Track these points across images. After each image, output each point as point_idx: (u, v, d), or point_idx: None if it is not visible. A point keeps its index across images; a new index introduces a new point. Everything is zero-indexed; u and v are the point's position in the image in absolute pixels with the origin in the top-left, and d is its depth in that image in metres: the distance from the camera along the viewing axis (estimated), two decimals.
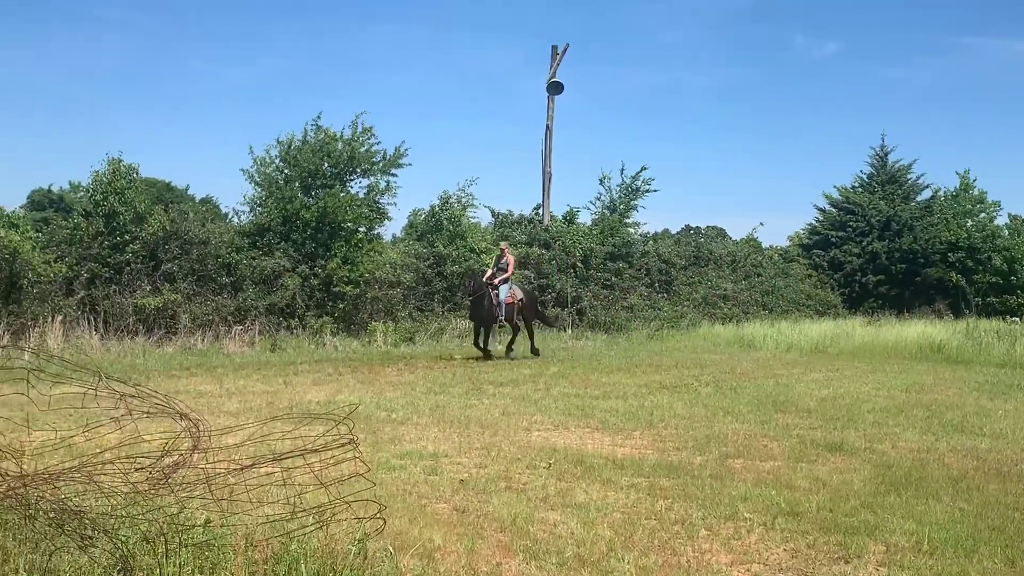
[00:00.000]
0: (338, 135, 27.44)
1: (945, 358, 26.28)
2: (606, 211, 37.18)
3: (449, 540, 6.96)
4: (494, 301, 22.05)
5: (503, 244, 24.35)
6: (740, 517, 8.03)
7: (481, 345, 22.29)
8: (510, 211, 36.09)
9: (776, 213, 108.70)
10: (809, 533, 7.59)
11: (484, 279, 22.23)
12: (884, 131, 67.67)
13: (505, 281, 22.40)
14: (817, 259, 43.94)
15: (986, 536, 7.60)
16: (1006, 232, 43.30)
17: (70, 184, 47.10)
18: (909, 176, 47.08)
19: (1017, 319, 31.45)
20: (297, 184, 26.58)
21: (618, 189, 37.95)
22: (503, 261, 22.82)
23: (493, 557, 6.67)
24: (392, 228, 40.11)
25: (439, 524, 7.43)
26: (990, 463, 10.92)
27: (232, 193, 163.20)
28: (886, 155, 47.35)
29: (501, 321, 22.43)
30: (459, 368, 19.79)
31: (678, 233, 50.83)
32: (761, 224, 60.17)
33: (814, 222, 47.32)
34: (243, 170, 27.97)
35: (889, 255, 42.62)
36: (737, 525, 7.79)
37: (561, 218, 35.47)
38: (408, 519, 7.44)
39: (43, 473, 5.99)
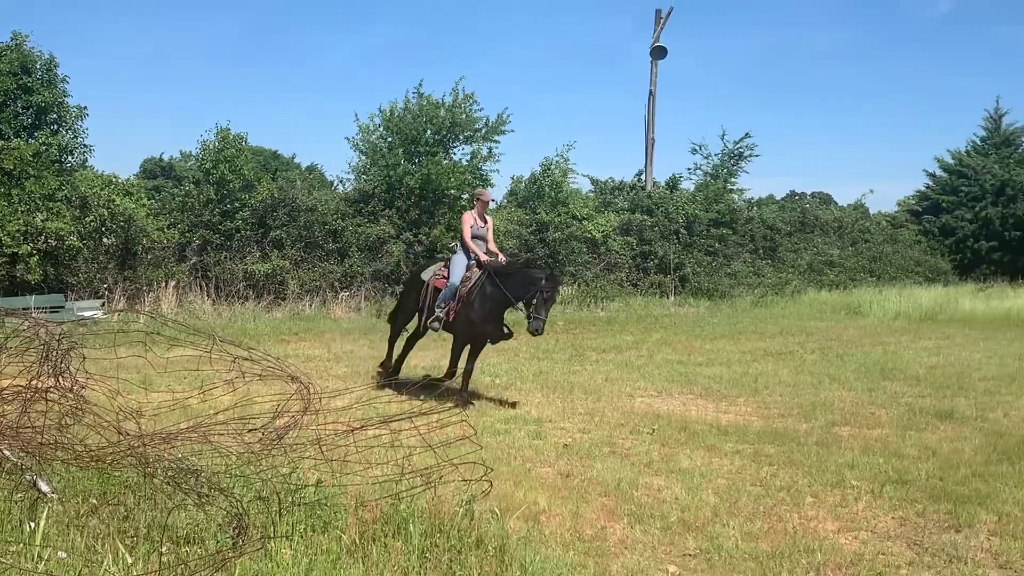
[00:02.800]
0: (440, 102, 27.59)
1: None
2: (709, 177, 36.69)
3: (554, 503, 7.03)
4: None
5: (486, 192, 12.94)
6: (847, 485, 7.95)
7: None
8: (611, 178, 35.93)
9: (884, 179, 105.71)
10: (918, 501, 7.49)
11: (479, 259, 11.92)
12: (999, 93, 65.27)
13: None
14: (927, 225, 42.80)
15: None
16: None
17: (180, 153, 48.19)
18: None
19: None
20: (400, 151, 26.80)
21: (720, 155, 37.40)
22: (481, 226, 12.37)
23: (598, 521, 6.71)
24: (495, 195, 40.18)
25: (544, 487, 7.50)
26: None
27: (336, 161, 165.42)
28: (1000, 118, 45.76)
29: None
30: (562, 334, 19.83)
31: (783, 199, 49.91)
32: (871, 191, 58.10)
33: (924, 187, 46.10)
34: (348, 138, 28.42)
35: (1003, 221, 41.25)
36: (844, 493, 7.71)
37: (664, 184, 35.16)
38: (513, 482, 7.52)
39: (161, 433, 6.20)
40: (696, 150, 38.15)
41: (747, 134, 37.36)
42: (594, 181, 35.89)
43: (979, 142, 45.79)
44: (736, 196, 36.30)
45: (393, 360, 12.89)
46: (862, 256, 36.61)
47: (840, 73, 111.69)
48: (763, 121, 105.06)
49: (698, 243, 31.90)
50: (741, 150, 37.40)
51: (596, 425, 10.31)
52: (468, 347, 11.83)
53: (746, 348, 18.01)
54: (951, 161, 45.00)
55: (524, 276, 11.45)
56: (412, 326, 12.96)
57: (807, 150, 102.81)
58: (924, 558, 6.20)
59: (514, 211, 29.41)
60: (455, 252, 12.29)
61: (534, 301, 11.04)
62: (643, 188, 34.40)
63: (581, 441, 9.48)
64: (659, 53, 34.60)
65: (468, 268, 11.85)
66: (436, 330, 11.96)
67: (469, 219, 12.29)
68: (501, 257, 12.21)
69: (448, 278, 11.88)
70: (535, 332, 11.09)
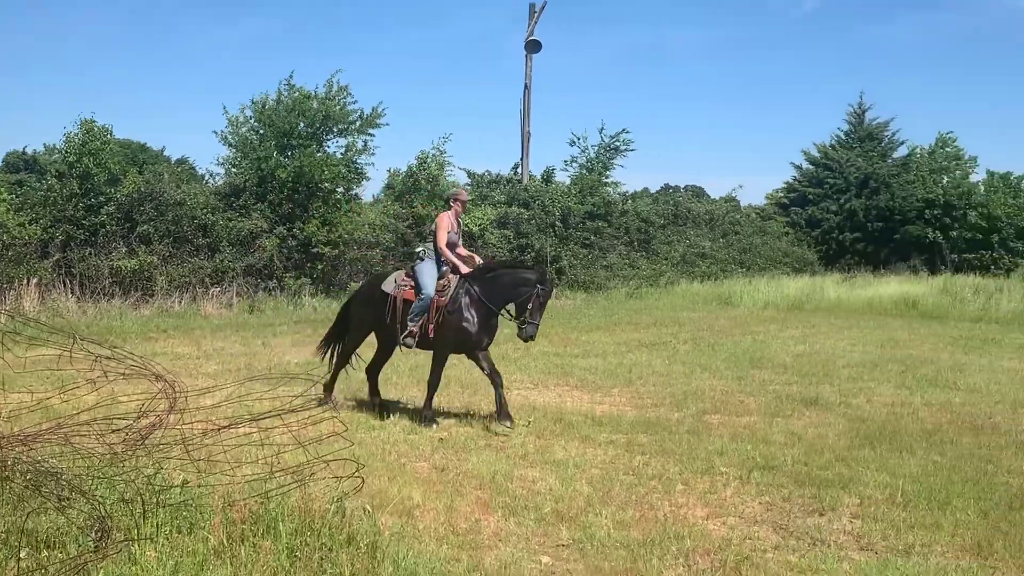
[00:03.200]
0: (313, 94, 27.22)
1: (920, 314, 26.53)
2: (584, 171, 37.09)
3: (428, 498, 7.00)
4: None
5: (464, 192, 11.51)
6: (716, 472, 8.12)
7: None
8: (487, 171, 36.02)
9: (755, 172, 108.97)
10: (784, 486, 7.70)
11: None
12: (862, 89, 67.62)
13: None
14: (795, 217, 44.10)
15: (959, 488, 7.72)
16: (982, 188, 43.35)
17: (44, 146, 46.52)
18: (886, 133, 47.23)
19: None
20: (272, 144, 26.31)
21: (596, 149, 37.86)
22: (456, 231, 10.83)
23: (472, 514, 6.71)
24: (372, 189, 39.98)
25: (418, 482, 7.47)
26: (963, 416, 11.07)
27: (209, 154, 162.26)
28: (863, 112, 47.43)
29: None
30: None
31: (657, 192, 50.81)
32: (740, 186, 59.80)
33: (792, 180, 47.46)
34: (216, 132, 27.75)
35: (866, 212, 42.76)
36: (713, 479, 7.87)
37: (540, 177, 35.41)
38: (387, 478, 7.47)
39: (19, 435, 5.96)
40: (575, 142, 38.56)
41: (624, 130, 37.97)
42: (471, 174, 35.93)
43: (843, 136, 47.31)
44: (611, 189, 36.77)
45: (371, 397, 11.15)
46: (733, 248, 37.48)
47: (713, 70, 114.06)
48: (638, 115, 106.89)
49: (574, 236, 32.20)
50: (617, 144, 37.91)
51: (472, 418, 10.31)
52: (469, 361, 10.70)
53: (621, 339, 18.26)
54: (816, 154, 46.42)
55: (512, 277, 10.29)
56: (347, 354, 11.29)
57: (682, 144, 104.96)
58: (789, 541, 6.36)
59: (391, 205, 29.25)
60: (422, 259, 10.55)
61: (529, 305, 10.01)
62: (519, 181, 34.56)
63: (457, 435, 9.47)
64: (533, 47, 34.74)
65: (443, 276, 10.39)
66: (410, 347, 10.58)
67: (446, 223, 10.61)
68: (477, 258, 10.89)
69: (420, 289, 10.33)
70: (528, 338, 10.12)
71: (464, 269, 10.39)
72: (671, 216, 37.53)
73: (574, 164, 38.13)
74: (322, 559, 5.27)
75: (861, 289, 30.73)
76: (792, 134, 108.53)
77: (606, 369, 14.15)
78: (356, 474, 5.92)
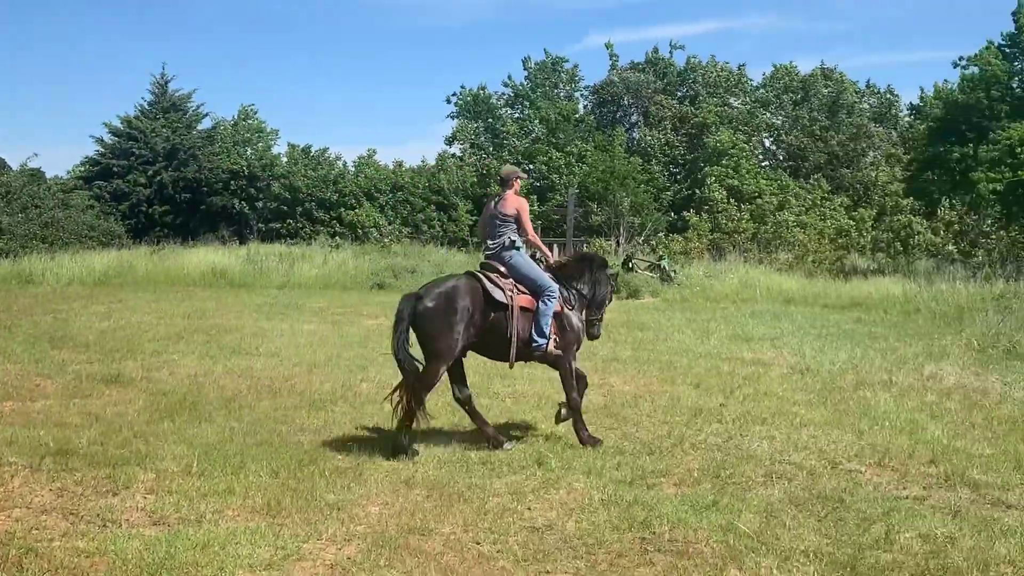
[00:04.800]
0: None
1: (229, 283, 27.39)
2: None
3: None
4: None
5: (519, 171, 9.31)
6: (5, 462, 7.65)
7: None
8: None
9: (61, 142, 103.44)
10: (78, 470, 7.46)
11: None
12: (165, 60, 66.84)
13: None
14: (99, 190, 42.77)
15: (254, 452, 8.08)
16: (285, 160, 45.49)
17: None
18: (190, 104, 47.70)
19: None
20: None
21: None
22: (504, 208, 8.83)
23: None
24: None
25: None
26: (263, 381, 11.59)
27: None
28: (167, 83, 47.33)
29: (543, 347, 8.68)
30: None
31: None
32: (36, 154, 56.39)
33: (95, 153, 45.98)
34: None
35: (175, 184, 42.93)
36: (0, 471, 7.38)
37: None
38: None
39: None
40: None
41: None
42: None
43: (148, 107, 46.77)
44: None
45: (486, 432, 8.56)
46: (34, 223, 35.36)
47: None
48: None
49: None
50: None
51: None
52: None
53: None
54: (120, 126, 45.40)
55: (602, 269, 9.30)
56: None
57: None
58: (79, 526, 6.17)
59: None
60: (518, 249, 8.74)
61: (608, 301, 9.37)
62: None
63: None
64: None
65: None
66: (550, 357, 8.69)
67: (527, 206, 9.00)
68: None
69: (542, 288, 8.53)
70: (597, 337, 9.50)
71: (552, 260, 9.14)
72: None
73: None
74: None
75: (171, 261, 30.72)
76: (100, 102, 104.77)
77: None
78: None
